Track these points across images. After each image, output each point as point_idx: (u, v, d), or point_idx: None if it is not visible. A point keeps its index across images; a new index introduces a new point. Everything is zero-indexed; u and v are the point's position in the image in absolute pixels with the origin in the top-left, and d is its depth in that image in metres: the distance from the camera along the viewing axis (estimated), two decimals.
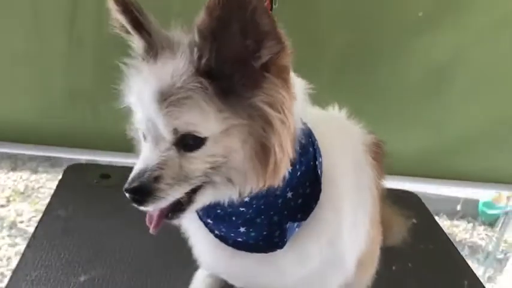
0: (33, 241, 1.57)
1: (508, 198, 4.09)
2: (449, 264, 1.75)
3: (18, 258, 1.51)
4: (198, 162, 0.89)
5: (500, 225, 4.21)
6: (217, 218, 1.02)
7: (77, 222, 1.65)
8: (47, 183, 3.88)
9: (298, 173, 0.98)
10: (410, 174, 2.18)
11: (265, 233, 1.02)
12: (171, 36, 0.92)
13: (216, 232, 1.06)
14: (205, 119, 0.86)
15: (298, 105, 0.93)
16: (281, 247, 1.01)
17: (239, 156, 0.90)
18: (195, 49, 0.86)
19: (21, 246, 3.21)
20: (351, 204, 1.08)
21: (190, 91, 0.86)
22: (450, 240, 1.89)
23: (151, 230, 0.96)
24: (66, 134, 2.00)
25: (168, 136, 0.88)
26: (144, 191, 0.88)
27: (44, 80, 1.93)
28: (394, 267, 1.52)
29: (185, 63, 0.87)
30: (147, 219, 0.98)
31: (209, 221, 1.04)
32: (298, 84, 0.96)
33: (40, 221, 1.66)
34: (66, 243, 1.56)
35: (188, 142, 0.88)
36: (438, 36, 1.89)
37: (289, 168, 0.94)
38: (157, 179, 0.88)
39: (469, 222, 4.48)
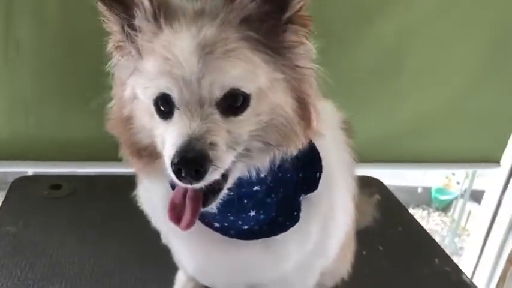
0: None
1: (458, 183, 4.24)
2: (419, 243, 1.76)
3: None
4: (245, 125, 0.82)
5: (452, 210, 4.36)
6: (226, 204, 0.90)
7: (29, 238, 1.54)
8: None
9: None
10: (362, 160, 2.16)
11: (273, 214, 0.96)
12: None
13: (217, 225, 0.97)
14: (254, 72, 0.81)
15: None
16: (293, 225, 0.96)
17: (284, 113, 0.84)
18: None
19: None
20: (339, 180, 1.07)
21: (236, 42, 0.80)
22: (417, 221, 1.89)
23: (183, 229, 0.84)
24: (8, 146, 1.85)
25: (213, 96, 0.79)
26: (204, 160, 0.76)
27: None
28: (364, 253, 1.49)
29: (225, 12, 0.80)
30: (170, 216, 0.85)
31: (215, 210, 0.91)
32: None
33: None
34: (17, 261, 1.44)
35: (232, 104, 0.80)
36: (388, 20, 1.89)
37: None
38: (212, 145, 0.77)
39: (424, 210, 4.61)
